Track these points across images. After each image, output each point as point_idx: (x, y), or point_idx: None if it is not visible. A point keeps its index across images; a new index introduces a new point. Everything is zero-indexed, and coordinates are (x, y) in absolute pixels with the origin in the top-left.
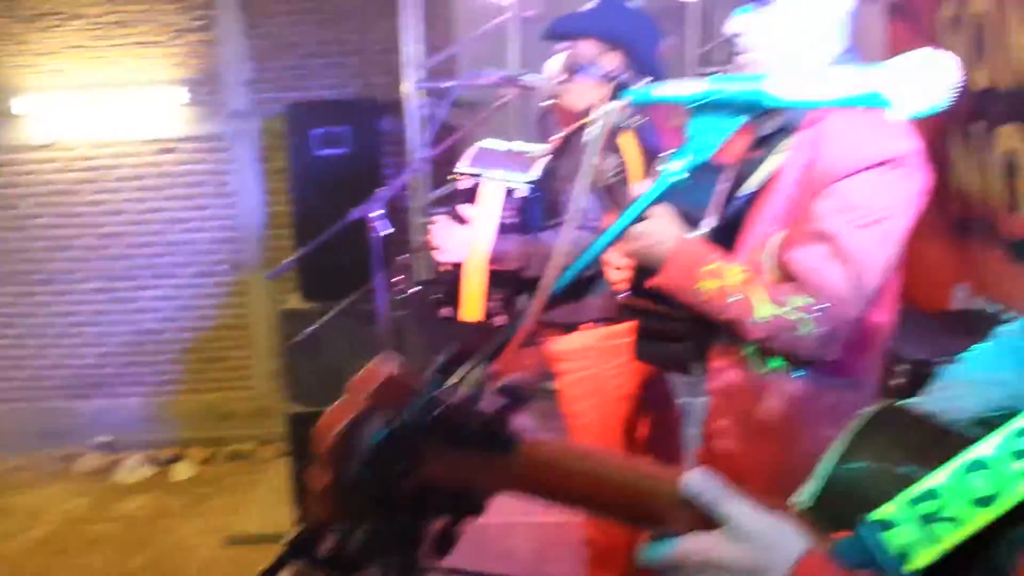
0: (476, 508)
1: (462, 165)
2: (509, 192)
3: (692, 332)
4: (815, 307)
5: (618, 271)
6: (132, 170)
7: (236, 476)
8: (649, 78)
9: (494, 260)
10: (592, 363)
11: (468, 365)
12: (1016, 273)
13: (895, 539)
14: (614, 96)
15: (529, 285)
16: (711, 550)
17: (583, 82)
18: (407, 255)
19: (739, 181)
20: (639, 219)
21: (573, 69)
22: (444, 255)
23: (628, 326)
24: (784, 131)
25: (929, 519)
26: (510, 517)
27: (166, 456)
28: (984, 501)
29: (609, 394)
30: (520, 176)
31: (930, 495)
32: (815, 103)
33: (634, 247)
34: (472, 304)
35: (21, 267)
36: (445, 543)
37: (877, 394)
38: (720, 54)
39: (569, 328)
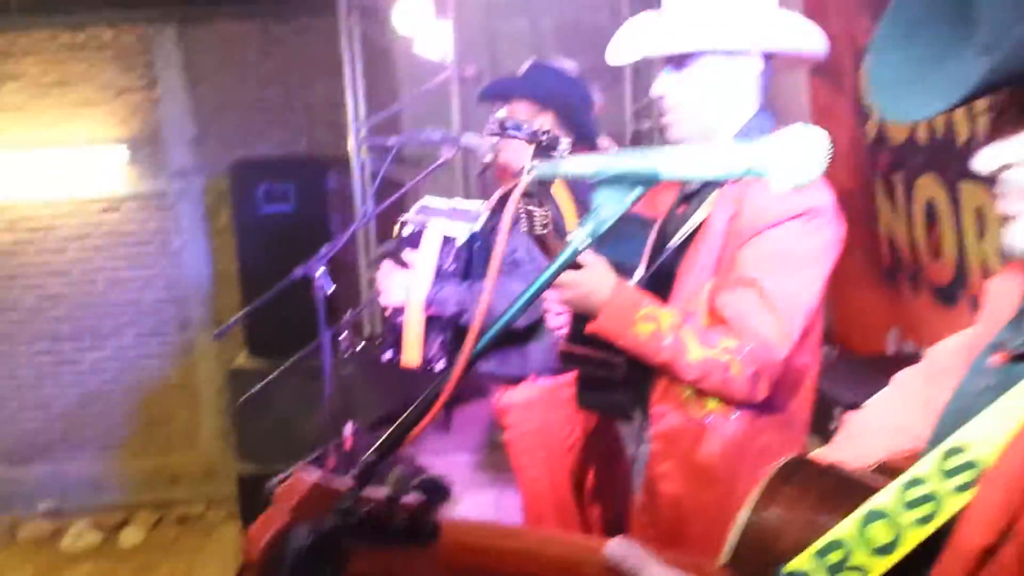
0: None
1: (407, 215)
2: (450, 241)
3: (631, 377)
4: (744, 348)
5: (557, 317)
6: (75, 229)
7: (185, 540)
8: (578, 136)
9: (432, 306)
10: (537, 416)
11: (390, 437)
12: (942, 317)
13: None
14: (546, 154)
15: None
16: None
17: (518, 141)
18: (354, 311)
19: (668, 234)
20: (574, 267)
21: (507, 129)
22: (386, 299)
23: (572, 377)
24: (709, 186)
25: (836, 569)
26: None
27: (113, 521)
28: (884, 550)
29: (556, 446)
30: (462, 227)
31: (836, 545)
32: (702, 176)
33: (570, 295)
34: (411, 349)
35: None
36: None
37: (810, 435)
38: (651, 110)
39: (513, 381)
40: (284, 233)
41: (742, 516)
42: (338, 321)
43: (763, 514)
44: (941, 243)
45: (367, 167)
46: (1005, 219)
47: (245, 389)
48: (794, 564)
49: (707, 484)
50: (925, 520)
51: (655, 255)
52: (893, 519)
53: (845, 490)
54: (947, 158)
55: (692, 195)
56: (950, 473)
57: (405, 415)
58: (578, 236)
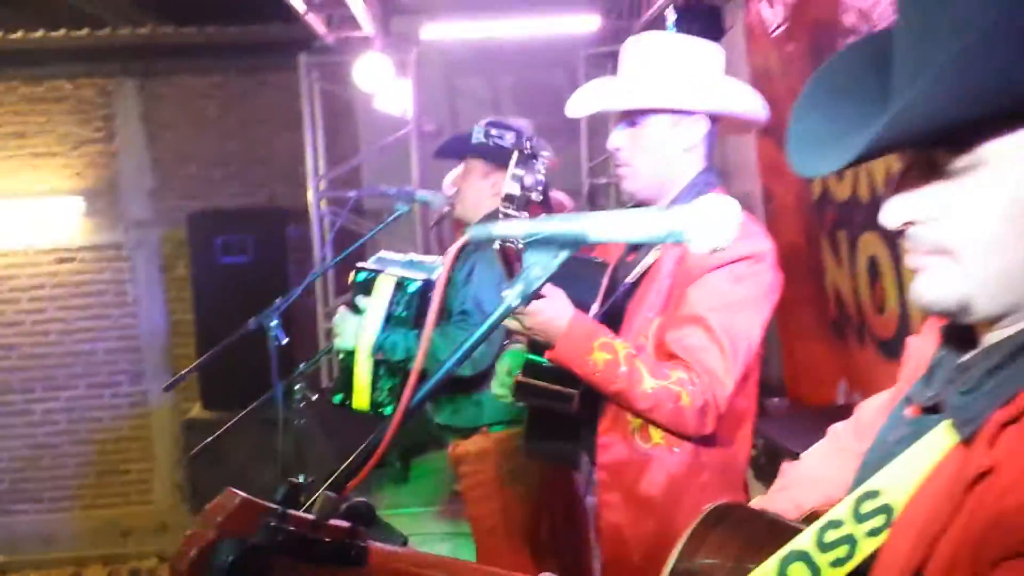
0: None
1: (363, 263)
2: (403, 286)
3: (582, 410)
4: (694, 380)
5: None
6: (29, 280)
7: None
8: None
9: (381, 351)
10: (492, 466)
11: (335, 481)
12: (886, 370)
13: None
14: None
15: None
16: None
17: (473, 196)
18: (308, 362)
19: (620, 277)
20: (536, 297)
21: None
22: (339, 342)
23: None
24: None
25: None
26: None
27: (64, 575)
28: None
29: (511, 496)
30: (417, 275)
31: None
32: (627, 239)
33: (530, 323)
34: (360, 393)
35: None
36: None
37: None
38: (606, 166)
39: (468, 431)
40: (242, 284)
41: (670, 562)
42: (292, 372)
43: (691, 559)
44: (884, 298)
45: (326, 219)
46: (914, 270)
47: (199, 441)
48: None
49: (648, 515)
50: (841, 562)
51: (608, 295)
52: (812, 560)
53: (770, 535)
54: None
55: (641, 243)
56: (864, 517)
57: (348, 460)
58: (510, 295)
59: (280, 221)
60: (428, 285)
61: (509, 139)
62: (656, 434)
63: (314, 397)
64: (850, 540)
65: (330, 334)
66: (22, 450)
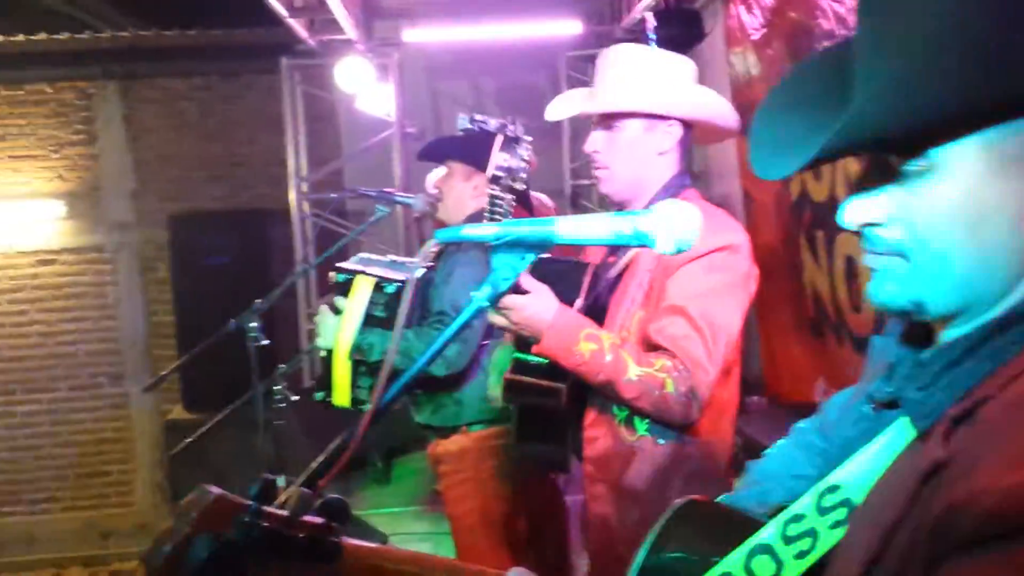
0: None
1: (343, 263)
2: (382, 288)
3: (570, 405)
4: (678, 367)
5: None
6: (9, 282)
7: None
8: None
9: (359, 351)
10: (471, 465)
11: (310, 477)
12: (863, 367)
13: None
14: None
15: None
16: None
17: (455, 198)
18: (289, 363)
19: (601, 274)
20: (520, 292)
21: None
22: (320, 342)
23: (505, 427)
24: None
25: None
26: None
27: None
28: None
29: (490, 495)
30: (397, 276)
31: None
32: (595, 241)
33: (516, 317)
34: (340, 391)
35: None
36: None
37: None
38: (588, 168)
39: (448, 431)
40: (223, 286)
41: (640, 556)
42: (272, 373)
43: (660, 554)
44: (861, 297)
45: (308, 221)
46: (870, 270)
47: (181, 442)
48: None
49: (634, 506)
50: (804, 554)
51: (591, 292)
52: (776, 553)
53: (736, 530)
54: None
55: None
56: (826, 510)
57: (321, 457)
58: (479, 296)
59: (261, 223)
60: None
61: (493, 124)
62: (641, 426)
63: (295, 398)
64: (812, 533)
65: (312, 335)
66: (2, 452)
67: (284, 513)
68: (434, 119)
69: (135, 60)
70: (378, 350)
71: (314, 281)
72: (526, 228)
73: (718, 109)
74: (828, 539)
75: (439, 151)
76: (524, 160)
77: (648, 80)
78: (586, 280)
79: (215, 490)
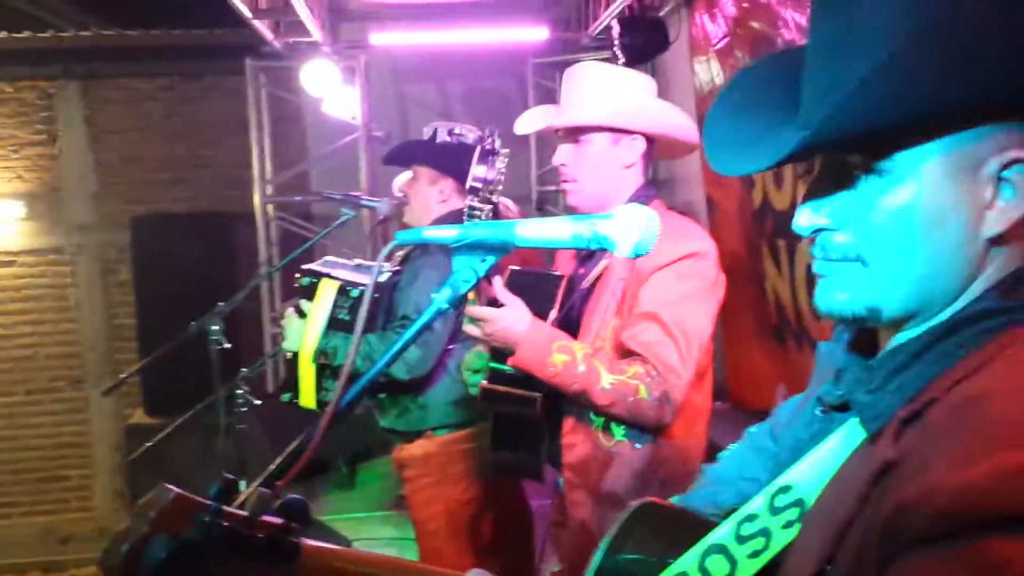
0: None
1: (308, 265)
2: (347, 292)
3: (545, 414)
4: (651, 372)
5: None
6: None
7: None
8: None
9: (323, 355)
10: (436, 470)
11: (267, 478)
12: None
13: None
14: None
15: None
16: None
17: (421, 202)
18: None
19: (575, 285)
20: (495, 305)
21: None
22: (285, 344)
23: (469, 431)
24: (605, 250)
25: None
26: None
27: None
28: None
29: (455, 500)
30: (363, 279)
31: None
32: (556, 243)
33: (491, 329)
34: (306, 394)
35: None
36: None
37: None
38: (554, 175)
39: (413, 435)
40: (186, 289)
41: (595, 560)
42: (234, 377)
43: (616, 555)
44: None
45: (272, 224)
46: (820, 277)
47: (141, 447)
48: None
49: (613, 510)
50: (757, 554)
51: (565, 303)
52: (730, 552)
53: (691, 531)
54: None
55: (592, 252)
56: (779, 510)
57: (280, 459)
58: (439, 299)
59: (225, 226)
60: (377, 287)
61: (472, 137)
62: (619, 432)
63: (257, 402)
64: (766, 533)
65: (276, 339)
66: None
67: (243, 513)
68: (401, 123)
69: (97, 60)
70: (342, 353)
71: (278, 284)
72: (486, 230)
73: (680, 124)
74: (781, 539)
75: (406, 155)
76: (501, 172)
77: (613, 95)
78: (560, 291)
79: (174, 489)
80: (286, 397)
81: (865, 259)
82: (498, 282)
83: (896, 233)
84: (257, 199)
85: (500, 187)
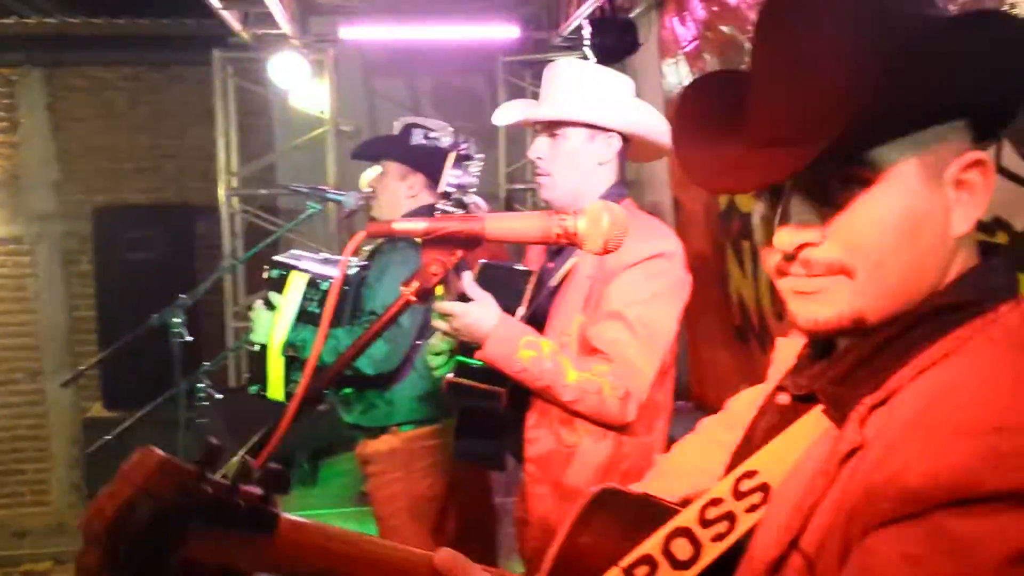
0: None
1: (277, 257)
2: (317, 284)
3: (511, 407)
4: (615, 371)
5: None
6: None
7: None
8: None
9: (292, 348)
10: (400, 466)
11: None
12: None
13: None
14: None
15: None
16: None
17: (390, 197)
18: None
19: (543, 282)
20: (463, 299)
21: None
22: (254, 336)
23: (434, 428)
24: (574, 245)
25: None
26: None
27: None
28: (685, 564)
29: (418, 496)
30: (332, 272)
31: (643, 560)
32: (523, 239)
33: (459, 324)
34: (274, 386)
35: None
36: None
37: None
38: (523, 172)
39: (377, 431)
40: (147, 281)
41: (555, 546)
42: (195, 371)
43: (577, 539)
44: (784, 306)
45: (237, 217)
46: (800, 294)
47: (99, 441)
48: None
49: (573, 505)
50: (721, 536)
51: (533, 299)
52: (694, 536)
53: (651, 516)
54: None
55: (561, 249)
56: (744, 494)
57: (247, 446)
58: (407, 291)
59: (188, 218)
60: (345, 281)
61: (446, 141)
62: (581, 427)
63: (219, 396)
64: (730, 516)
65: (238, 332)
66: None
67: (225, 481)
68: (369, 118)
69: (61, 47)
70: (311, 346)
71: (242, 278)
72: (456, 224)
73: (656, 126)
74: (745, 522)
75: (374, 150)
76: (475, 176)
77: (592, 92)
78: (529, 287)
79: (159, 452)
80: (253, 389)
81: (851, 270)
82: (467, 277)
83: (882, 242)
84: (222, 191)
85: (474, 190)
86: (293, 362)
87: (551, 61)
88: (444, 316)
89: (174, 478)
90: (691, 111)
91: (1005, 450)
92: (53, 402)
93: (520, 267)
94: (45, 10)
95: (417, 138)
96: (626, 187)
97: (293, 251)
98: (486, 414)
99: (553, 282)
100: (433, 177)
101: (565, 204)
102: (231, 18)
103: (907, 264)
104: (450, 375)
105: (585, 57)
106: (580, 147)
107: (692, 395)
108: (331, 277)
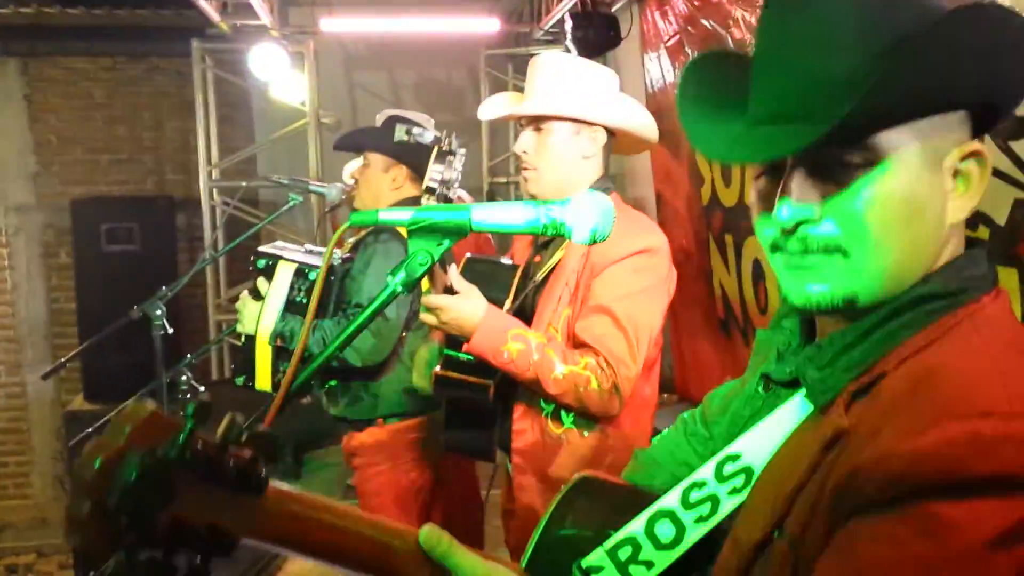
0: (225, 548)
1: (263, 247)
2: (304, 274)
3: (498, 399)
4: (602, 364)
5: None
6: None
7: None
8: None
9: (279, 339)
10: (386, 458)
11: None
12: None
13: None
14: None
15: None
16: None
17: (373, 189)
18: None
19: (530, 275)
20: (451, 293)
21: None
22: (241, 326)
23: (420, 420)
24: (561, 235)
25: (627, 564)
26: None
27: None
28: (669, 545)
29: (404, 488)
30: (319, 262)
31: (627, 542)
32: (512, 228)
33: (447, 317)
34: (262, 377)
35: None
36: None
37: None
38: (506, 166)
39: (363, 424)
40: (127, 274)
41: (536, 532)
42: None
43: (558, 524)
44: (767, 299)
45: (217, 209)
46: (794, 269)
47: (80, 434)
48: (589, 560)
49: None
50: (704, 519)
51: (520, 292)
52: (677, 517)
53: (632, 503)
54: None
55: (548, 243)
56: (727, 477)
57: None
58: (393, 282)
59: (168, 210)
60: (330, 271)
61: (428, 137)
62: (567, 419)
63: (201, 388)
64: (713, 499)
65: (221, 325)
66: None
67: (216, 440)
68: (351, 110)
69: (37, 37)
70: (299, 337)
71: (223, 271)
72: (442, 213)
73: (641, 120)
74: (728, 504)
75: (357, 141)
76: (458, 171)
77: (578, 86)
78: (515, 280)
79: (150, 405)
80: (240, 381)
81: (847, 250)
82: (454, 270)
83: (880, 225)
84: (202, 183)
85: (457, 184)
86: (281, 352)
87: (533, 54)
88: (432, 310)
89: (166, 432)
90: (694, 83)
91: (988, 435)
92: (34, 395)
93: (506, 261)
94: (21, 0)
95: (400, 135)
96: (611, 181)
97: (277, 243)
98: (474, 405)
99: (539, 276)
100: (417, 169)
101: (550, 198)
102: (210, 8)
103: (902, 248)
104: (438, 368)
105: (568, 50)
106: (566, 141)
107: (676, 388)
108: (319, 267)
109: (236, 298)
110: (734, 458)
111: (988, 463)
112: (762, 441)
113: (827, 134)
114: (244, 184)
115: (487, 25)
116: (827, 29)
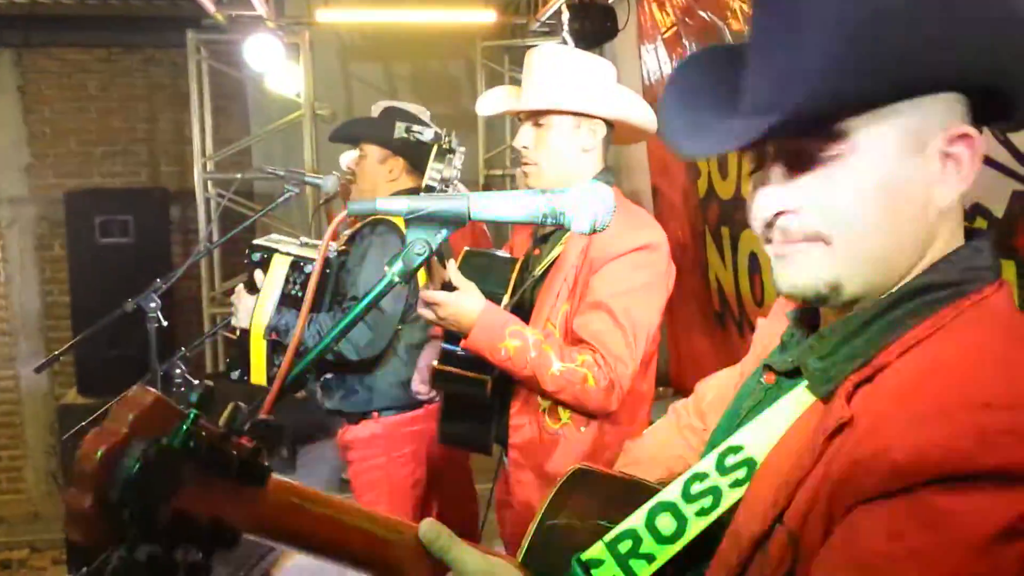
0: (228, 542)
1: (258, 240)
2: (300, 267)
3: (495, 395)
4: (599, 361)
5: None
6: None
7: None
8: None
9: (275, 332)
10: (381, 451)
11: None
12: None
13: (601, 575)
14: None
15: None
16: None
17: (369, 181)
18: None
19: (528, 269)
20: (449, 289)
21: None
22: (236, 320)
23: (416, 414)
24: (561, 229)
25: (627, 557)
26: None
27: None
28: (670, 538)
29: (399, 482)
30: (312, 256)
31: (627, 535)
32: (511, 218)
33: (444, 313)
34: (257, 371)
35: None
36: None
37: None
38: (502, 159)
39: (358, 417)
40: (122, 266)
41: (533, 524)
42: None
43: (555, 517)
44: (763, 291)
45: (212, 201)
46: (780, 258)
47: (74, 428)
48: (588, 554)
49: None
50: (706, 511)
51: (518, 287)
52: (678, 510)
53: (629, 494)
54: None
55: (547, 236)
56: (728, 469)
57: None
58: (390, 272)
59: (163, 202)
60: (326, 264)
61: (428, 135)
62: (564, 415)
63: (195, 382)
64: (714, 491)
65: (215, 318)
66: None
67: (220, 428)
68: (346, 102)
69: (31, 28)
70: (294, 331)
71: (218, 263)
72: (440, 203)
73: (640, 111)
74: (730, 496)
75: (353, 133)
76: (458, 169)
77: (576, 79)
78: (513, 274)
79: (153, 391)
80: (234, 375)
81: (828, 238)
82: (452, 265)
83: (857, 211)
84: (197, 175)
85: (456, 181)
86: (277, 346)
87: (530, 46)
88: (430, 305)
89: (170, 420)
90: (683, 78)
91: (991, 428)
92: (27, 388)
93: (504, 254)
94: None
95: (400, 133)
96: (611, 173)
97: (272, 235)
98: (472, 399)
99: (538, 271)
100: (413, 161)
101: None
102: None
103: (884, 233)
104: (435, 362)
105: (564, 42)
106: (566, 135)
107: (671, 381)
108: (315, 260)
109: (231, 291)
110: (736, 450)
111: (991, 456)
112: (764, 432)
113: (781, 123)
114: (239, 176)
115: (483, 16)
116: (800, 17)
